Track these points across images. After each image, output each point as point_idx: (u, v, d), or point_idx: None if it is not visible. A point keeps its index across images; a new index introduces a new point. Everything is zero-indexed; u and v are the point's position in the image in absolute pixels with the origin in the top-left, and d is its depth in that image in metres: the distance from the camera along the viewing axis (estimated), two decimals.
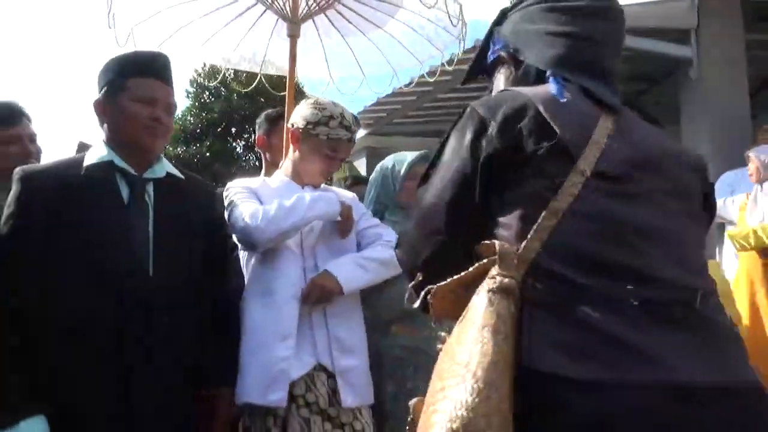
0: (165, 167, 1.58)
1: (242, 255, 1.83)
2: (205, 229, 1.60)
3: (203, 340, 1.53)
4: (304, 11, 2.08)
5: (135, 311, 1.41)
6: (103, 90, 1.53)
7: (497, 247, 0.92)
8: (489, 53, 1.19)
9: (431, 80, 2.62)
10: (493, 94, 1.10)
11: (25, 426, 1.28)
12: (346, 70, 2.56)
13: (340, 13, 2.25)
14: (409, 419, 0.97)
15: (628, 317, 0.86)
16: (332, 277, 1.69)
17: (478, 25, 9.07)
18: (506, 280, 0.90)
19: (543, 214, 0.92)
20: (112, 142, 1.54)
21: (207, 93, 13.61)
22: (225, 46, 2.41)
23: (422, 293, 1.00)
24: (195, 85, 13.86)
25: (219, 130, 14.24)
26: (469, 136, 1.00)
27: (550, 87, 1.02)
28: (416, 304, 1.02)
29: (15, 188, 1.47)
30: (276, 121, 2.28)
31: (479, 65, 1.22)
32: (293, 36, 2.10)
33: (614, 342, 0.85)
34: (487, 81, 1.22)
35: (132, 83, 1.51)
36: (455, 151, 1.02)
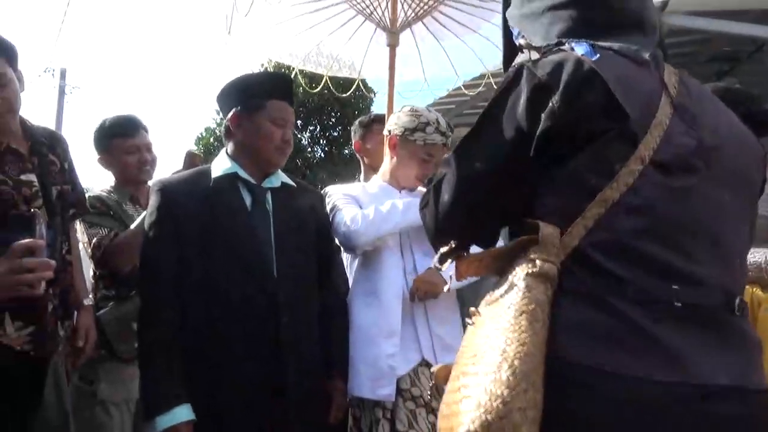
0: (280, 177, 1.73)
1: (345, 258, 1.95)
2: (317, 229, 1.74)
3: (321, 333, 1.67)
4: (402, 21, 2.18)
5: (264, 309, 1.55)
6: (239, 108, 1.67)
7: (541, 229, 0.87)
8: (514, 39, 1.10)
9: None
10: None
11: (177, 411, 1.45)
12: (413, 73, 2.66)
13: (436, 20, 2.34)
14: (430, 385, 0.96)
15: (670, 317, 0.84)
16: (437, 274, 1.78)
17: None
18: (546, 265, 0.86)
19: (594, 200, 0.86)
20: (237, 154, 1.68)
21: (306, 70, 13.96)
22: (326, 55, 2.56)
23: (453, 261, 0.97)
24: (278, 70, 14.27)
25: None
26: (523, 103, 0.90)
27: (575, 48, 0.90)
28: (445, 266, 0.98)
29: (154, 198, 1.63)
30: (369, 126, 2.39)
31: (511, 54, 1.12)
32: (392, 45, 2.21)
33: (650, 339, 0.83)
34: None
35: (270, 105, 1.65)
36: (507, 116, 0.92)
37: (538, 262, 0.86)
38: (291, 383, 1.54)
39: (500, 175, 0.94)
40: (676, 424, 0.81)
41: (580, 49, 0.89)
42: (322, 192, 1.97)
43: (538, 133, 0.88)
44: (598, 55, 0.88)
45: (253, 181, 1.66)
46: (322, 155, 14.33)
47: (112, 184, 2.27)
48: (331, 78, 2.68)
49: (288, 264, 1.61)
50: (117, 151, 2.21)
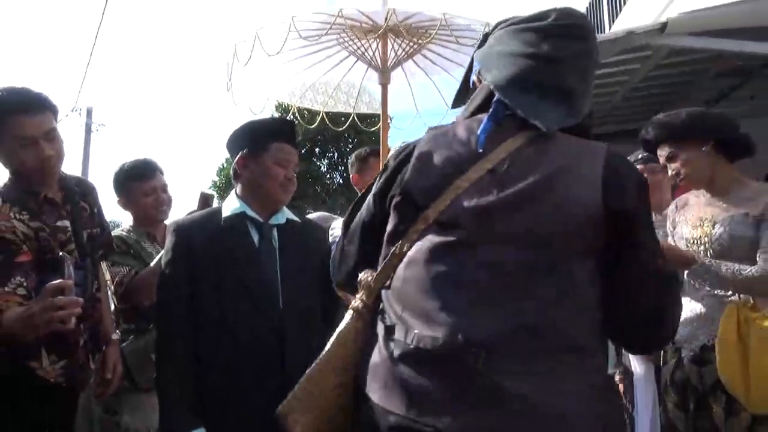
0: (285, 214, 1.83)
1: None
2: (321, 263, 1.78)
3: None
4: (393, 61, 2.29)
5: (270, 341, 1.64)
6: (245, 150, 1.79)
7: (360, 275, 1.14)
8: (472, 76, 1.22)
9: None
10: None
11: None
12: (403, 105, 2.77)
13: (425, 57, 2.45)
14: None
15: (409, 358, 0.99)
16: None
17: None
18: (358, 302, 1.11)
19: (389, 253, 1.08)
20: (245, 194, 1.80)
21: (292, 116, 14.34)
22: (322, 93, 2.68)
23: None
24: (280, 110, 14.61)
25: (304, 151, 14.88)
26: (378, 177, 1.17)
27: (482, 122, 1.05)
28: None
29: (170, 238, 1.76)
30: (366, 160, 2.49)
31: (465, 89, 1.24)
32: (384, 84, 2.32)
33: (394, 377, 1.00)
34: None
35: (273, 147, 1.77)
36: (372, 188, 1.19)
37: (356, 299, 1.13)
38: None
39: (363, 234, 1.19)
40: None
41: (488, 119, 1.06)
42: (330, 224, 2.05)
43: (380, 187, 1.15)
44: (482, 131, 1.05)
45: (260, 219, 1.77)
46: (341, 181, 14.54)
47: (131, 224, 2.43)
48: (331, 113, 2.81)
49: (293, 298, 1.71)
50: (135, 194, 2.37)
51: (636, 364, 2.45)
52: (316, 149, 15.00)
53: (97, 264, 2.00)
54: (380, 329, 1.07)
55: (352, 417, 1.10)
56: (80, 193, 1.93)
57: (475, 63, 1.18)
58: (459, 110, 1.29)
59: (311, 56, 2.39)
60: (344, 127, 2.87)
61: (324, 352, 1.11)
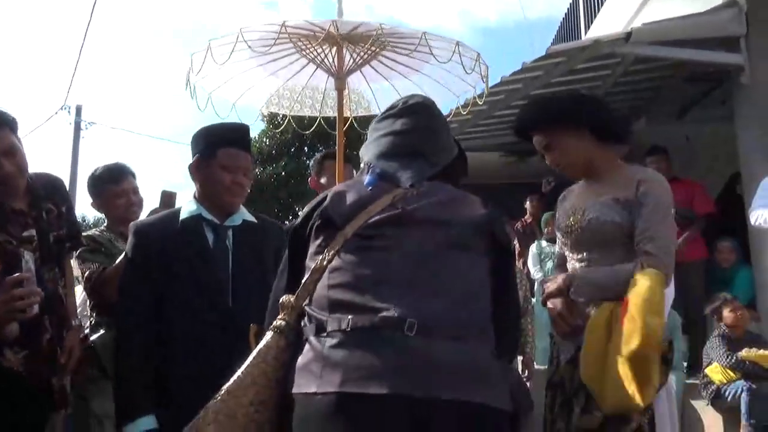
0: (242, 215, 1.93)
1: None
2: (276, 263, 1.85)
3: None
4: (348, 67, 2.43)
5: (219, 337, 1.73)
6: (197, 156, 1.89)
7: (281, 298, 1.26)
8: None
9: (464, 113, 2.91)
10: None
11: (141, 420, 1.67)
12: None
13: (382, 63, 2.59)
14: None
15: (343, 342, 1.12)
16: None
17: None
18: (279, 322, 1.23)
19: (311, 270, 1.23)
20: (200, 197, 1.91)
21: (280, 115, 14.44)
22: (289, 98, 2.82)
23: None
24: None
25: (292, 150, 14.96)
26: (292, 223, 1.41)
27: (364, 178, 1.36)
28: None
29: (130, 239, 1.88)
30: (322, 163, 2.61)
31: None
32: (340, 89, 2.46)
33: (323, 361, 1.11)
34: None
35: (221, 153, 1.85)
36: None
37: (277, 320, 1.25)
38: None
39: (289, 268, 1.38)
40: (330, 427, 1.06)
41: (365, 178, 1.35)
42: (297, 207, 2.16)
43: (294, 227, 1.36)
44: (366, 184, 1.32)
45: (216, 221, 1.87)
46: None
47: (105, 224, 2.59)
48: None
49: (244, 296, 1.81)
50: (107, 196, 2.51)
51: None
52: (305, 148, 15.09)
53: (63, 258, 2.11)
54: (309, 332, 1.18)
55: None
56: (47, 194, 2.02)
57: (362, 154, 1.48)
58: None
59: (274, 63, 2.52)
60: (311, 130, 3.01)
61: (243, 368, 1.19)
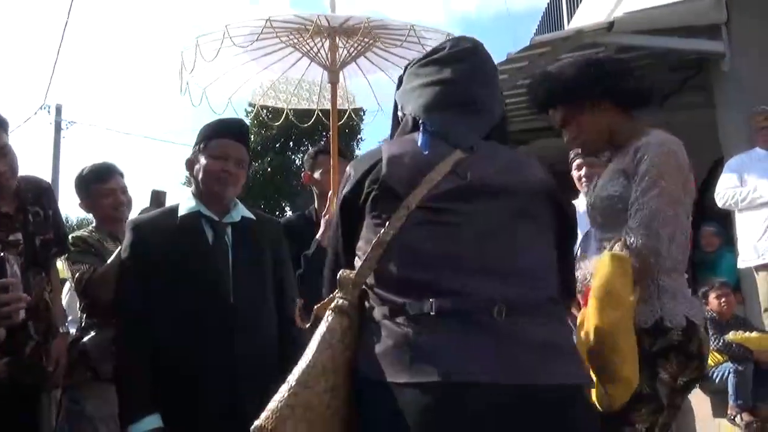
0: (240, 212, 1.92)
1: None
2: (274, 260, 1.92)
3: (275, 355, 1.82)
4: (341, 60, 2.45)
5: (219, 335, 1.74)
6: (193, 151, 1.90)
7: (339, 274, 1.15)
8: (399, 115, 1.37)
9: None
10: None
11: (147, 420, 1.66)
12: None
13: (377, 54, 2.60)
14: None
15: (429, 327, 1.03)
16: None
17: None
18: (340, 301, 1.12)
19: (372, 245, 1.12)
20: (198, 193, 1.89)
21: (265, 111, 14.36)
22: (283, 91, 2.83)
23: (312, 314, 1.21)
24: (253, 105, 14.61)
25: (278, 145, 14.90)
26: (341, 188, 1.26)
27: (419, 136, 1.21)
28: (307, 325, 1.21)
29: (128, 236, 1.85)
30: (315, 158, 2.61)
31: (396, 125, 1.38)
32: (333, 83, 2.48)
33: (411, 348, 1.03)
34: None
35: (211, 143, 1.86)
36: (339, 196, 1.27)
37: (336, 299, 1.14)
38: (244, 404, 1.67)
39: (338, 246, 1.26)
40: (433, 418, 0.98)
41: (418, 137, 1.22)
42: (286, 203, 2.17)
43: (344, 195, 1.22)
44: (422, 146, 1.19)
45: (215, 217, 1.86)
46: None
47: (94, 224, 2.54)
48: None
49: (244, 293, 1.80)
50: (95, 196, 2.48)
51: None
52: (290, 143, 15.03)
53: (50, 263, 2.10)
54: (379, 314, 1.09)
55: (347, 423, 1.09)
56: (34, 198, 2.00)
57: (397, 101, 1.37)
58: None
59: (268, 56, 2.52)
60: (309, 123, 3.01)
61: (309, 356, 1.09)
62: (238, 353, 1.74)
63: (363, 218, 1.18)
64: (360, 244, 1.18)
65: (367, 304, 1.14)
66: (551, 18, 8.69)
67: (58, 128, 13.01)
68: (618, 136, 1.69)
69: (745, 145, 4.19)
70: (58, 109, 13.20)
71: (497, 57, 4.72)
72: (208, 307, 1.76)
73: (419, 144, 1.19)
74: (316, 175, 2.54)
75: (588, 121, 1.69)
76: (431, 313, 1.04)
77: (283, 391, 1.07)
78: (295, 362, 1.91)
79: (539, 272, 1.13)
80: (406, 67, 1.38)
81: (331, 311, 1.13)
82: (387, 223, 1.12)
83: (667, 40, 4.45)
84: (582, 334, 1.43)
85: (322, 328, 1.12)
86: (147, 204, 2.27)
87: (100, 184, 2.46)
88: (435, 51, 1.34)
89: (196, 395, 1.71)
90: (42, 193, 2.06)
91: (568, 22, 7.56)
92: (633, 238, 1.49)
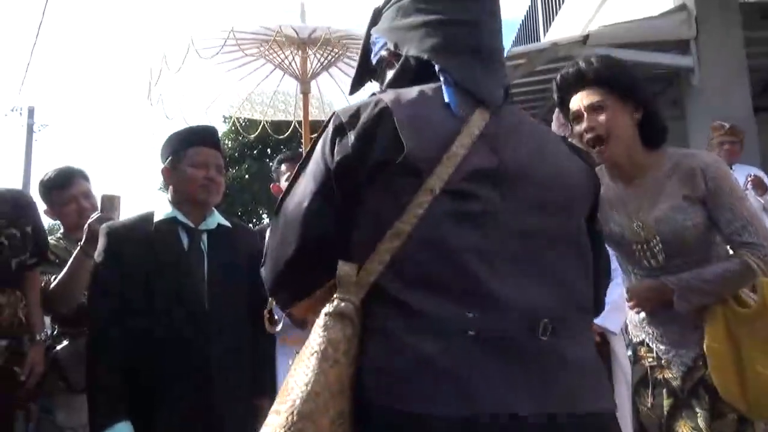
0: (216, 219, 1.93)
1: None
2: (250, 267, 1.87)
3: (250, 359, 1.85)
4: (311, 72, 2.45)
5: (194, 340, 1.74)
6: (168, 159, 1.90)
7: (338, 268, 0.89)
8: (372, 56, 1.12)
9: None
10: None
11: (118, 426, 1.64)
12: None
13: (348, 65, 2.62)
14: None
15: (460, 348, 0.83)
16: None
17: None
18: (342, 303, 0.87)
19: (386, 234, 0.87)
20: (175, 200, 1.89)
21: (240, 120, 14.33)
22: (258, 103, 2.82)
23: (284, 316, 0.99)
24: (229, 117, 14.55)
25: (255, 152, 14.83)
26: (327, 142, 0.94)
27: (443, 91, 0.96)
28: (278, 329, 0.99)
29: (102, 242, 1.83)
30: (280, 166, 2.58)
31: (364, 70, 1.15)
32: (305, 93, 2.48)
33: (438, 373, 0.82)
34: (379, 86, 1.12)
35: (188, 152, 1.87)
36: (315, 158, 0.96)
37: (335, 301, 0.88)
38: (219, 410, 1.73)
39: (315, 216, 0.94)
40: None
41: (444, 91, 0.96)
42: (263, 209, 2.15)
43: (334, 165, 0.92)
44: (449, 101, 0.94)
45: (191, 224, 1.86)
46: None
47: (61, 231, 2.49)
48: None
49: (219, 299, 1.80)
50: (58, 204, 2.41)
51: (617, 347, 2.43)
52: (268, 150, 14.98)
53: (26, 279, 2.08)
54: (392, 324, 0.86)
55: None
56: (10, 219, 1.98)
57: (378, 39, 1.11)
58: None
59: (241, 69, 2.51)
60: (286, 134, 3.01)
61: (310, 377, 0.83)
62: (212, 360, 1.74)
63: (357, 192, 0.92)
64: (362, 230, 0.92)
65: (372, 308, 0.89)
66: (528, 29, 8.81)
67: (30, 131, 12.76)
68: (638, 160, 1.63)
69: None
70: (31, 112, 12.97)
71: None
72: (182, 314, 1.75)
73: (446, 101, 0.94)
74: (280, 183, 2.53)
75: (621, 116, 1.58)
76: (464, 330, 0.84)
77: (279, 426, 0.81)
78: (263, 373, 1.85)
79: (578, 282, 0.95)
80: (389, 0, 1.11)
81: (329, 317, 0.87)
82: (406, 208, 0.87)
83: (639, 54, 4.54)
84: None
85: (317, 338, 0.86)
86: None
87: (62, 191, 2.38)
88: None
89: (170, 402, 1.70)
90: (20, 212, 2.03)
91: (544, 34, 7.67)
92: (761, 251, 1.51)
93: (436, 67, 0.99)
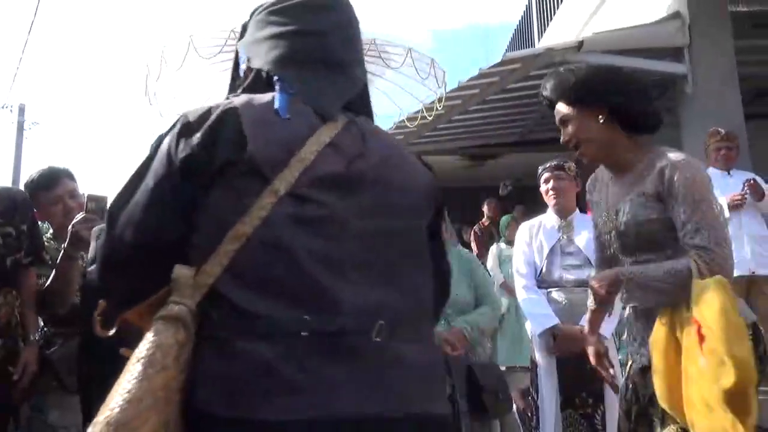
0: None
1: None
2: None
3: None
4: None
5: None
6: None
7: (174, 271, 0.86)
8: (240, 70, 1.13)
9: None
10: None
11: None
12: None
13: None
14: None
15: (296, 350, 0.82)
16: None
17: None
18: (176, 307, 0.84)
19: (227, 236, 0.86)
20: None
21: None
22: None
23: (115, 321, 0.93)
24: None
25: None
26: (172, 141, 0.93)
27: (275, 97, 0.97)
28: (110, 333, 0.95)
29: (93, 244, 1.82)
30: None
31: (236, 84, 1.15)
32: None
33: (269, 377, 0.81)
34: None
35: None
36: (159, 157, 0.94)
37: (169, 304, 0.85)
38: None
39: (151, 217, 0.92)
40: None
41: (277, 98, 0.97)
42: None
43: (179, 164, 0.91)
44: (284, 111, 0.95)
45: None
46: None
47: (51, 232, 2.48)
48: None
49: None
50: (44, 205, 2.37)
51: (539, 356, 2.57)
52: None
53: (21, 279, 2.07)
54: (228, 329, 0.84)
55: None
56: (4, 217, 1.97)
57: (240, 54, 1.13)
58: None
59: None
60: None
61: (133, 383, 0.78)
62: None
63: (202, 195, 0.90)
64: (203, 232, 0.89)
65: (208, 312, 0.86)
66: (523, 34, 8.86)
67: (20, 129, 12.67)
68: (618, 153, 1.68)
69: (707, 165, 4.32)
70: (21, 109, 12.87)
71: (471, 71, 4.81)
72: None
73: (276, 107, 0.95)
74: None
75: (586, 124, 1.65)
76: (299, 333, 0.83)
77: None
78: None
79: (421, 281, 0.99)
80: (252, 13, 1.13)
81: (161, 320, 0.83)
82: (248, 210, 0.86)
83: (633, 60, 4.58)
84: (714, 375, 1.32)
85: (146, 343, 0.81)
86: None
87: (47, 192, 2.35)
88: None
89: None
90: (15, 210, 2.01)
91: (539, 39, 7.71)
92: (709, 256, 1.48)
93: (274, 78, 1.01)
